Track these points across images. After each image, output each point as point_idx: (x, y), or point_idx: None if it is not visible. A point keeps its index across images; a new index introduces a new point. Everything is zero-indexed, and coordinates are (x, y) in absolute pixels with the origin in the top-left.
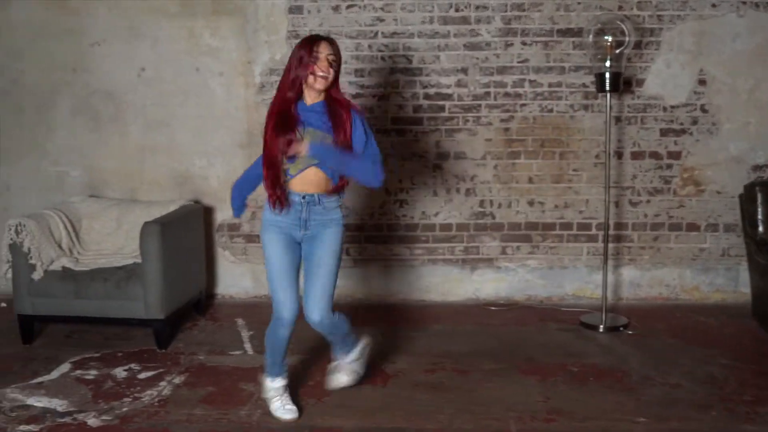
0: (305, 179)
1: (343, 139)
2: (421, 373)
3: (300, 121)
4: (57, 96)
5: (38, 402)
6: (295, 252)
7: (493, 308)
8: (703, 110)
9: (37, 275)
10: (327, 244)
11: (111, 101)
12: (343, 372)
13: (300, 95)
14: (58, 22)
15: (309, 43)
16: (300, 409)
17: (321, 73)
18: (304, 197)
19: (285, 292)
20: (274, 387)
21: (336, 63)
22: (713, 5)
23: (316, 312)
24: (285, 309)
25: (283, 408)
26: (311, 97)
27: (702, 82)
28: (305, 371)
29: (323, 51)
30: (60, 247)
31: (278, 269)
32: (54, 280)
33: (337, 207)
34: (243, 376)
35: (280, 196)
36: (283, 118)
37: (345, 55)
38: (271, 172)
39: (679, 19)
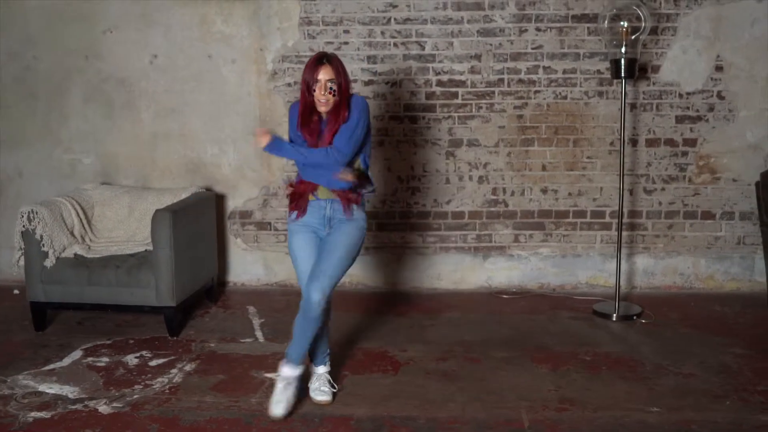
0: (330, 191)
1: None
2: (432, 362)
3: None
4: (70, 83)
5: (50, 389)
6: (318, 248)
7: (505, 296)
8: (720, 97)
9: (49, 262)
10: (343, 235)
11: (123, 88)
12: (321, 384)
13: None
14: (70, 8)
15: (311, 68)
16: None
17: (322, 99)
18: (327, 200)
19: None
20: (289, 375)
21: (338, 85)
22: None
23: (317, 291)
24: (314, 292)
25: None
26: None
27: (719, 69)
28: None
29: (322, 77)
30: (72, 234)
31: (304, 264)
32: (66, 267)
33: (360, 208)
34: (254, 363)
35: (301, 204)
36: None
37: (357, 41)
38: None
39: (696, 4)
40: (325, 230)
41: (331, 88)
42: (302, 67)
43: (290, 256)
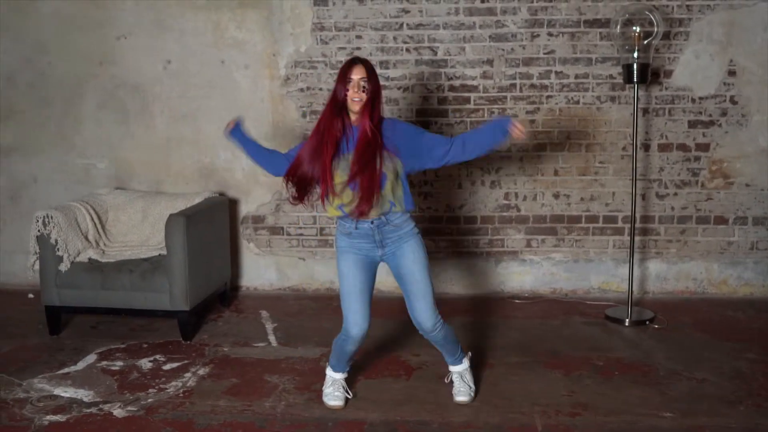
0: (353, 202)
1: (362, 149)
2: (445, 367)
3: (340, 143)
4: (84, 88)
5: (65, 392)
6: (369, 272)
7: (517, 301)
8: (733, 102)
9: (63, 267)
10: (412, 258)
11: (137, 94)
12: (459, 384)
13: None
14: (85, 14)
15: (345, 68)
16: (346, 401)
17: (356, 98)
18: (372, 222)
19: (356, 313)
20: (333, 377)
21: (370, 85)
22: None
23: (429, 321)
24: (354, 327)
25: (332, 395)
26: (354, 119)
27: (732, 73)
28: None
29: (356, 75)
30: (86, 238)
31: (350, 289)
32: (80, 271)
33: (408, 220)
34: (267, 367)
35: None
36: (322, 141)
37: (370, 47)
38: (300, 187)
39: (709, 9)
40: (379, 252)
41: (363, 87)
42: (314, 72)
43: (338, 271)
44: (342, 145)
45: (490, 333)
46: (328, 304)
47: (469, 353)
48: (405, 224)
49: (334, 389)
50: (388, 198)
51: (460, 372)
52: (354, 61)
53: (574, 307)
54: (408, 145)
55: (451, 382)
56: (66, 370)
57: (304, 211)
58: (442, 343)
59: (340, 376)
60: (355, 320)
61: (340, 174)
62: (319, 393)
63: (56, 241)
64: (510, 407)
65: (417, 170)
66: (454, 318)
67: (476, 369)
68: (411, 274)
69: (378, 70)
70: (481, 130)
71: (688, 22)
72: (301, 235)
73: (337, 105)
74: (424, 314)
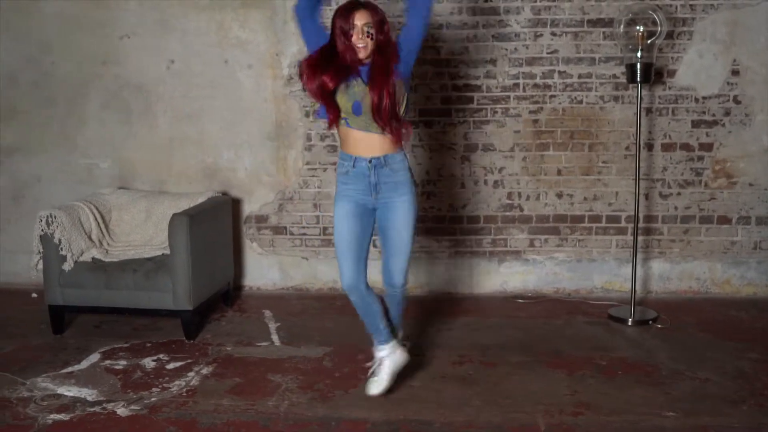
0: (370, 143)
1: (378, 87)
2: (448, 366)
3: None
4: (87, 88)
5: (68, 391)
6: (364, 221)
7: (520, 301)
8: (736, 101)
9: (67, 266)
10: (402, 214)
11: (141, 94)
12: (399, 351)
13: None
14: (88, 14)
15: (344, 16)
16: (390, 389)
17: (360, 45)
18: (370, 161)
19: (347, 262)
20: (378, 355)
21: (375, 29)
22: None
23: (400, 277)
24: (345, 277)
25: (370, 379)
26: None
27: (735, 73)
28: (332, 363)
29: (359, 21)
30: (90, 238)
31: (340, 240)
32: (84, 271)
33: (405, 166)
34: (270, 367)
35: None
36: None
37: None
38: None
39: (712, 8)
40: (372, 197)
41: (368, 32)
42: None
43: (333, 221)
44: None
45: (493, 332)
46: (332, 303)
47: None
48: (402, 170)
49: (375, 372)
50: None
51: (389, 351)
52: (355, 7)
53: (577, 306)
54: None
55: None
56: (69, 369)
57: (308, 211)
58: (399, 301)
59: (388, 349)
60: (344, 272)
61: (346, 100)
62: (322, 392)
63: (60, 240)
64: (513, 407)
65: (409, 67)
66: (457, 318)
67: (479, 368)
68: (398, 234)
69: None
70: None
71: (692, 21)
72: (304, 234)
73: (329, 60)
74: (399, 273)
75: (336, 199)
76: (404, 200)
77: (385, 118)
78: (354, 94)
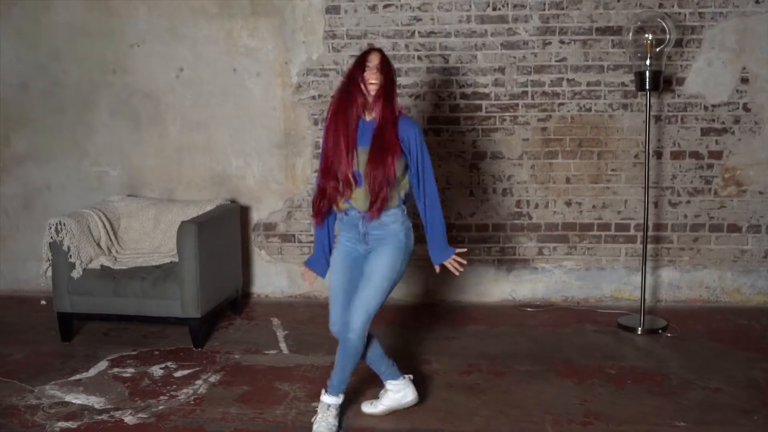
0: (359, 197)
1: (378, 147)
2: (456, 375)
3: (356, 138)
4: (97, 96)
5: (76, 399)
6: (357, 269)
7: (529, 309)
8: (746, 109)
9: (76, 273)
10: (380, 261)
11: (150, 102)
12: (380, 400)
13: (362, 112)
14: (98, 23)
15: (360, 57)
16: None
17: (373, 80)
18: (359, 212)
19: (336, 309)
20: (325, 402)
21: (386, 71)
22: (756, 2)
23: (355, 320)
24: (335, 325)
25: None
26: (369, 114)
27: (744, 81)
28: None
29: (373, 61)
30: (99, 245)
31: (334, 286)
32: (93, 278)
33: (398, 219)
34: (278, 375)
35: (321, 208)
36: (343, 134)
37: None
38: (329, 183)
39: (721, 16)
40: (362, 247)
41: (381, 68)
42: (326, 80)
43: None
44: (358, 139)
45: (501, 341)
46: None
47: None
48: (393, 224)
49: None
50: (392, 195)
51: (328, 403)
52: (370, 50)
53: (586, 315)
54: (409, 152)
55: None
56: (77, 376)
57: None
58: (349, 353)
59: (336, 401)
60: (332, 319)
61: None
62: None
63: (69, 248)
64: (522, 416)
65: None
66: (466, 326)
67: (487, 377)
68: (368, 278)
69: None
70: (434, 231)
71: (701, 29)
72: (312, 242)
73: (349, 94)
74: (355, 312)
75: (337, 242)
76: (389, 249)
77: (376, 192)
78: (357, 163)
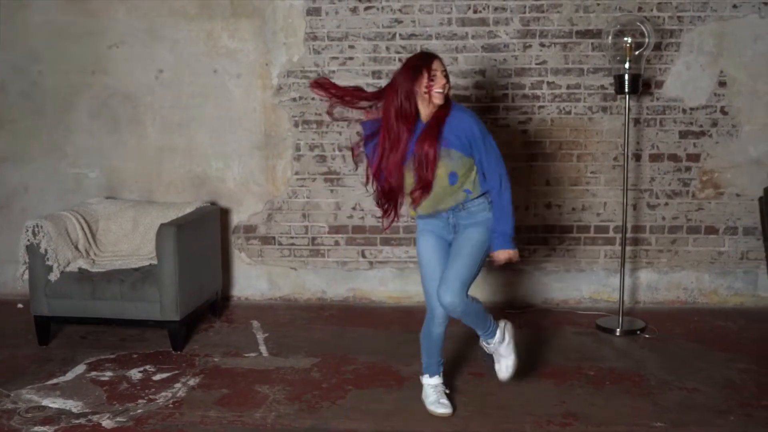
0: (440, 201)
1: (422, 142)
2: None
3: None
4: (76, 98)
5: (53, 403)
6: (445, 251)
7: (509, 311)
8: (723, 112)
9: (53, 276)
10: (469, 236)
11: (129, 103)
12: (500, 358)
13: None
14: (77, 24)
15: (424, 62)
16: (454, 406)
17: (439, 91)
18: (448, 211)
19: (435, 293)
20: (431, 384)
21: (447, 74)
22: (734, 6)
23: (447, 294)
24: (438, 308)
25: (437, 402)
26: (425, 114)
27: (722, 84)
28: (320, 373)
29: (438, 68)
30: (77, 248)
31: (429, 269)
32: (70, 281)
33: (485, 207)
34: (258, 378)
35: (392, 217)
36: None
37: (363, 57)
38: (390, 200)
39: (700, 20)
40: (450, 236)
41: (447, 78)
42: (307, 82)
43: (417, 254)
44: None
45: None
46: (320, 314)
47: (503, 324)
48: (481, 212)
49: (438, 396)
50: (458, 188)
51: (494, 348)
52: (431, 55)
53: (566, 317)
54: (464, 143)
55: (490, 356)
56: (55, 380)
57: (296, 221)
58: (469, 320)
59: (437, 381)
60: (434, 303)
61: (407, 176)
62: (310, 403)
63: (46, 250)
64: (501, 417)
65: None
66: (450, 328)
67: (467, 378)
68: (459, 251)
69: (370, 80)
70: (502, 212)
71: (679, 33)
72: (293, 245)
73: (409, 105)
74: (446, 287)
75: (419, 231)
76: (476, 229)
77: (424, 171)
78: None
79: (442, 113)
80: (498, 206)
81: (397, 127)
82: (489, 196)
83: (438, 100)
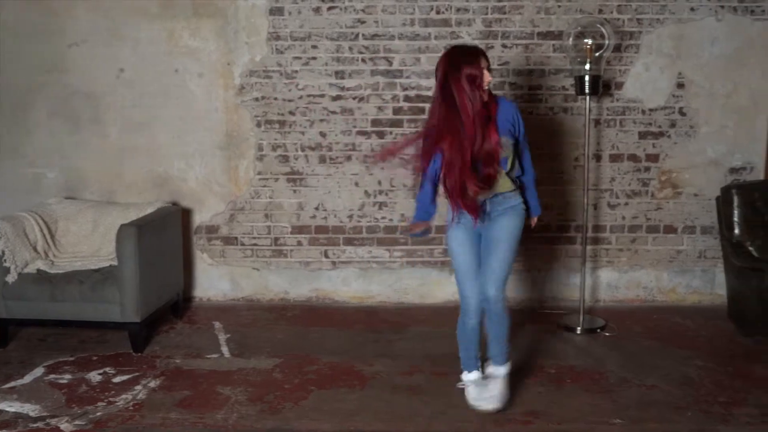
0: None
1: (489, 138)
2: (398, 376)
3: None
4: (35, 97)
5: (10, 407)
6: (476, 244)
7: None
8: (682, 113)
9: (11, 278)
10: (505, 226)
11: (90, 102)
12: (495, 386)
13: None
14: (36, 22)
15: (470, 58)
16: (502, 399)
17: (486, 89)
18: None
19: (471, 283)
20: (470, 379)
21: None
22: (692, 9)
23: (493, 287)
24: (472, 298)
25: (480, 398)
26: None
27: (680, 86)
28: (282, 374)
29: (484, 62)
30: (35, 249)
31: (463, 264)
32: (28, 282)
33: (517, 194)
34: (219, 379)
35: (472, 207)
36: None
37: (326, 57)
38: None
39: (658, 22)
40: (482, 225)
41: (491, 72)
42: (269, 81)
43: (449, 248)
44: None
45: (444, 342)
46: (282, 314)
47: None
48: (513, 197)
49: (481, 391)
50: (507, 173)
51: (502, 373)
52: (477, 51)
53: (528, 315)
54: (510, 130)
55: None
56: (12, 384)
57: (259, 222)
58: (499, 320)
59: (475, 376)
60: (470, 293)
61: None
62: (272, 404)
63: (3, 252)
64: (462, 416)
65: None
66: (409, 328)
67: (429, 378)
68: (498, 242)
69: (333, 80)
70: (533, 191)
71: (639, 35)
72: (255, 245)
73: (475, 94)
74: (491, 280)
75: (450, 227)
76: (509, 216)
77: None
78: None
79: (494, 106)
80: (531, 186)
81: (474, 114)
82: (519, 181)
83: (485, 96)
